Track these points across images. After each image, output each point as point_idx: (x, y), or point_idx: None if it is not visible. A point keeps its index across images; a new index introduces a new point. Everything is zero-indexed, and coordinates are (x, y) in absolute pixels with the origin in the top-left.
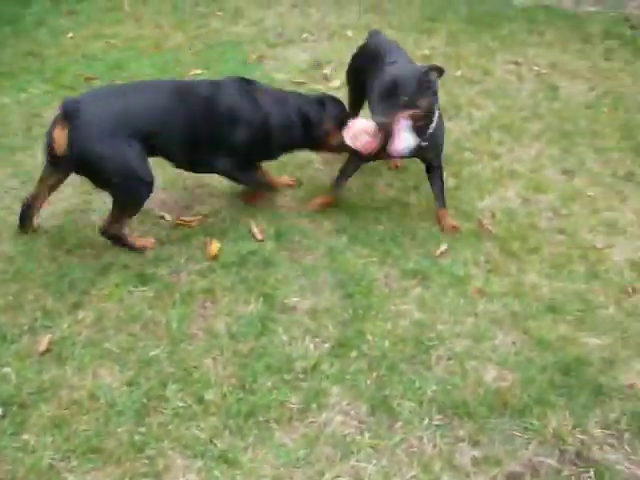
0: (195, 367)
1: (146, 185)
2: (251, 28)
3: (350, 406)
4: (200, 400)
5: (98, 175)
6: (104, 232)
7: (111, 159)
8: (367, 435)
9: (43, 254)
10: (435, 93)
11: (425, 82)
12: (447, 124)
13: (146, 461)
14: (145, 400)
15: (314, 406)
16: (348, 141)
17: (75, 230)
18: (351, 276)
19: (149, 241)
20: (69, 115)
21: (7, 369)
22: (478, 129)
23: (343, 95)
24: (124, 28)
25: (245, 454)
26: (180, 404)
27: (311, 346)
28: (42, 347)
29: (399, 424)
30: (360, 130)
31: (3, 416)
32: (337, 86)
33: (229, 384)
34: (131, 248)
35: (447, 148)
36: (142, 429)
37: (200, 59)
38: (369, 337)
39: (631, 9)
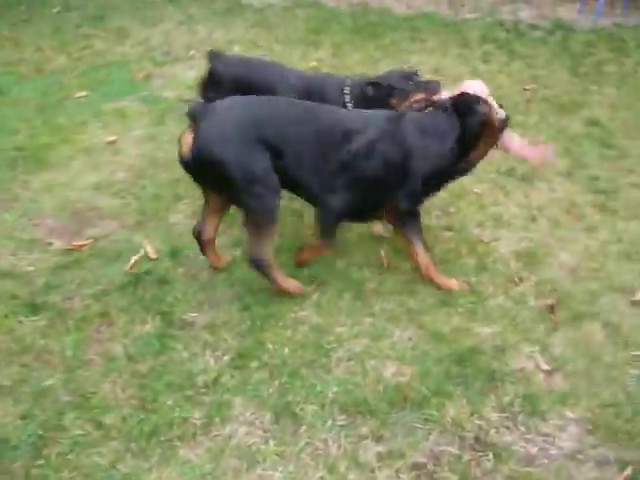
0: (93, 393)
1: (273, 192)
2: (137, 47)
3: (254, 416)
4: (99, 425)
5: (221, 181)
6: (251, 260)
7: (233, 163)
8: (272, 443)
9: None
10: None
11: None
12: None
13: None
14: (41, 432)
15: (217, 420)
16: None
17: None
18: (249, 288)
19: (297, 286)
20: (194, 118)
21: None
22: None
23: None
24: (3, 52)
25: (149, 475)
26: (79, 432)
27: (211, 360)
28: None
29: (303, 428)
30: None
31: None
32: None
33: (129, 406)
34: (276, 285)
35: None
36: (40, 462)
37: (85, 81)
38: (269, 346)
39: (505, 15)
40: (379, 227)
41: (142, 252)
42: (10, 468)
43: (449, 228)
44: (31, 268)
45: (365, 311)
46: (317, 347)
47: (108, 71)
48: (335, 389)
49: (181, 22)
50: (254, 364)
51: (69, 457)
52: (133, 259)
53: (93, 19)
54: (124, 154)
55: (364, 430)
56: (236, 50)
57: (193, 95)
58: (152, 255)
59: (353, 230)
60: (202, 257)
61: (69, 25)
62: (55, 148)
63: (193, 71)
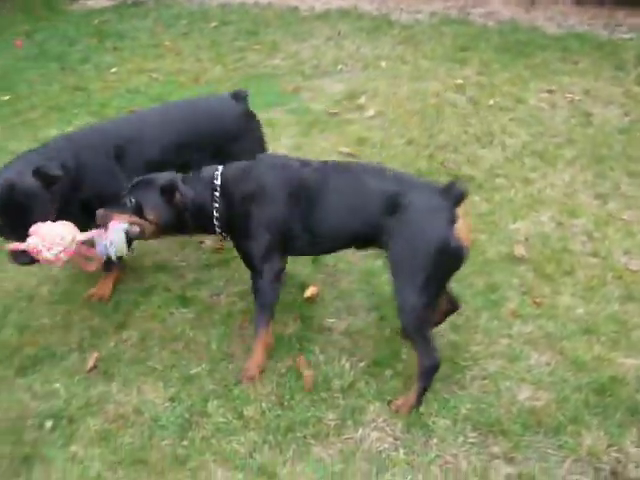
0: (235, 385)
1: None
2: (287, 61)
3: (386, 423)
4: (240, 416)
5: None
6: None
7: None
8: (402, 451)
9: (88, 277)
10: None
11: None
12: (481, 152)
13: (188, 473)
14: (187, 415)
15: (350, 423)
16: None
17: None
18: (385, 299)
19: None
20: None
21: (57, 385)
22: (511, 156)
23: (378, 124)
24: (165, 62)
25: (284, 468)
26: (221, 419)
27: (347, 365)
28: (89, 364)
29: (434, 441)
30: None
31: (53, 429)
32: (371, 115)
33: (268, 401)
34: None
35: (480, 175)
36: (185, 443)
37: None
38: (404, 357)
39: None
40: (520, 247)
41: None
42: (159, 445)
43: (595, 254)
44: (183, 263)
45: (502, 332)
46: (452, 363)
47: (260, 82)
48: (468, 406)
49: (329, 37)
50: (389, 372)
51: (211, 441)
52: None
53: (247, 33)
54: None
55: (495, 450)
56: (383, 65)
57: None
58: None
59: (492, 249)
60: (341, 265)
61: (225, 38)
62: None
63: (341, 85)
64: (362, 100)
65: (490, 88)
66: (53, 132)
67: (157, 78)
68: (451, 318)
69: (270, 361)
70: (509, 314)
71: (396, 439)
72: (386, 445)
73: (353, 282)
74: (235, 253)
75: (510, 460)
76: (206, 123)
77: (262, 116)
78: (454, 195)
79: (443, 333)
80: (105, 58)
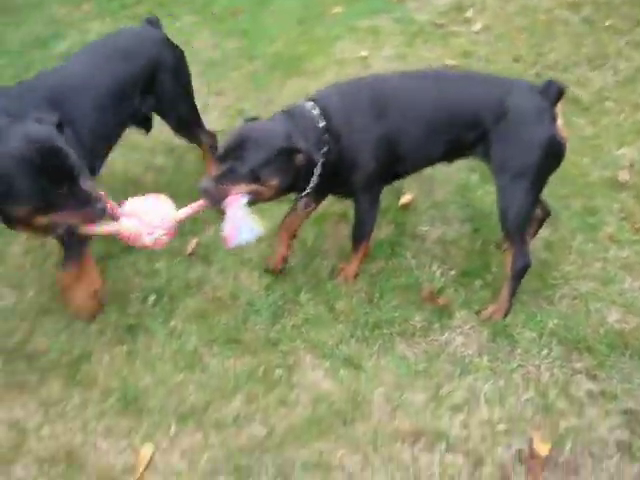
0: (327, 279)
1: None
2: None
3: (472, 330)
4: (331, 309)
5: None
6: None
7: None
8: (486, 358)
9: (190, 169)
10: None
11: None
12: (591, 74)
13: (279, 355)
14: (281, 303)
15: (437, 326)
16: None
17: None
18: (479, 212)
19: None
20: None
21: (159, 265)
22: (623, 80)
23: (485, 38)
24: None
25: (369, 361)
26: (312, 310)
27: (438, 272)
28: (190, 249)
29: (518, 351)
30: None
31: (155, 304)
32: (478, 29)
33: (358, 298)
34: None
35: (588, 97)
36: (277, 327)
37: None
38: (494, 269)
39: None
40: (624, 173)
41: None
42: (253, 328)
43: None
44: None
45: (597, 255)
46: (542, 279)
47: None
48: (555, 321)
49: None
50: (478, 283)
51: (302, 330)
52: None
53: None
54: (374, 70)
55: (579, 365)
56: None
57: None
58: None
59: (594, 173)
60: (438, 175)
61: None
62: (310, 58)
63: None
64: (469, 13)
65: (607, 8)
66: None
67: None
68: (544, 235)
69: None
70: (606, 238)
71: (481, 346)
72: (470, 351)
73: (448, 194)
74: None
75: (593, 377)
76: (134, 56)
77: (366, 23)
78: (553, 94)
79: (536, 250)
80: None
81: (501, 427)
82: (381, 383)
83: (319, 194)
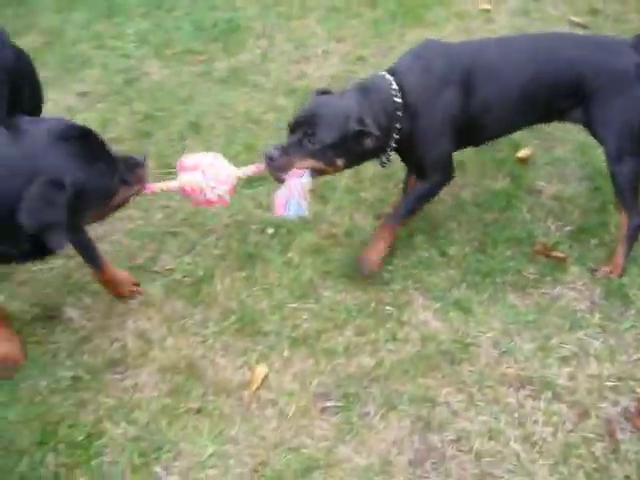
0: (440, 225)
1: None
2: None
3: (585, 287)
4: (443, 254)
5: None
6: None
7: None
8: (597, 316)
9: None
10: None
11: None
12: None
13: (391, 294)
14: (394, 245)
15: (549, 279)
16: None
17: None
18: (599, 171)
19: None
20: None
21: None
22: None
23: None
24: None
25: (479, 307)
26: (425, 254)
27: (552, 227)
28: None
29: (631, 312)
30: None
31: (273, 236)
32: None
33: (471, 246)
34: None
35: None
36: (390, 267)
37: None
38: (612, 229)
39: None
40: None
41: None
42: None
43: None
44: None
45: None
46: None
47: None
48: None
49: None
50: (594, 241)
51: (414, 271)
52: None
53: None
54: (496, 24)
55: None
56: None
57: None
58: None
59: None
60: (558, 133)
61: None
62: (432, 8)
63: None
64: None
65: None
66: None
67: None
68: None
69: (477, 210)
70: None
71: (593, 303)
72: (582, 307)
73: (568, 151)
74: None
75: None
76: None
77: None
78: None
79: None
80: None
81: (609, 383)
82: (490, 329)
83: None
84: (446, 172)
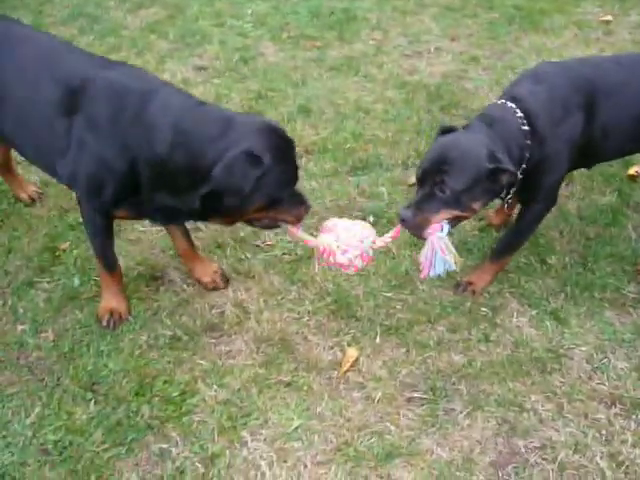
0: (542, 233)
1: None
2: None
3: None
4: (543, 262)
5: None
6: None
7: None
8: None
9: (420, 105)
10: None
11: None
12: None
13: (486, 295)
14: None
15: None
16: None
17: (449, 91)
18: None
19: None
20: None
21: (382, 189)
22: None
23: None
24: None
25: (575, 319)
26: (523, 259)
27: None
28: (411, 180)
29: None
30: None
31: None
32: None
33: (571, 258)
34: None
35: None
36: None
37: None
38: None
39: None
40: None
41: None
42: (465, 264)
43: None
44: None
45: None
46: None
47: None
48: None
49: None
50: None
51: (511, 275)
52: None
53: None
54: (616, 36)
55: None
56: None
57: None
58: None
59: None
60: None
61: None
62: (550, 15)
63: None
64: None
65: None
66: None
67: None
68: None
69: (581, 223)
70: None
71: None
72: None
73: None
74: None
75: None
76: None
77: None
78: None
79: None
80: None
81: None
82: (584, 342)
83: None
84: (555, 195)
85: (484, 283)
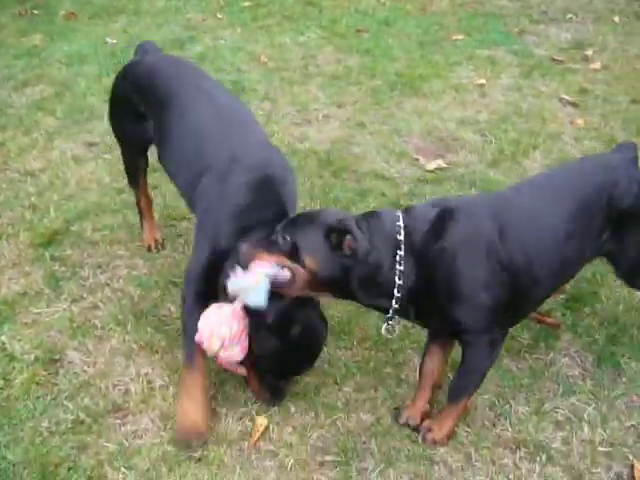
0: None
1: None
2: (515, 3)
3: (577, 354)
4: None
5: None
6: None
7: None
8: (589, 382)
9: (312, 171)
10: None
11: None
12: None
13: (389, 353)
14: None
15: (543, 345)
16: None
17: (339, 157)
18: None
19: None
20: None
21: None
22: None
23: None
24: None
25: None
26: None
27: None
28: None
29: (623, 380)
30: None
31: None
32: (597, 68)
33: None
34: None
35: None
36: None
37: (463, 26)
38: (603, 299)
39: None
40: None
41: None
42: (365, 324)
43: None
44: (397, 175)
45: None
46: None
47: (485, 20)
48: None
49: None
50: (587, 310)
51: (411, 331)
52: None
53: None
54: (490, 98)
55: None
56: (616, 20)
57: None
58: None
59: None
60: None
61: None
62: (429, 80)
63: (568, 34)
64: (589, 52)
65: None
66: (287, 39)
67: (384, 3)
68: None
69: None
70: None
71: (585, 370)
72: (575, 373)
73: None
74: None
75: None
76: None
77: (485, 53)
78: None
79: None
80: None
81: (602, 449)
82: (485, 391)
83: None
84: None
85: (446, 430)
